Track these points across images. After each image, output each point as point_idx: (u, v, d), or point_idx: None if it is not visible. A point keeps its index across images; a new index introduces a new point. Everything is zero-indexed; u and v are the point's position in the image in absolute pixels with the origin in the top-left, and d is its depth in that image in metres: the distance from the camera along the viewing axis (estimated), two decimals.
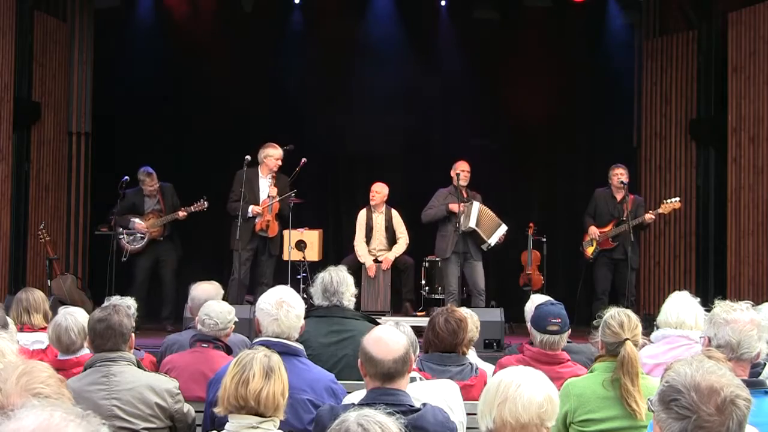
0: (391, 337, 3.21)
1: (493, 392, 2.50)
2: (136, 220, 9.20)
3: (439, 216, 9.02)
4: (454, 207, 8.93)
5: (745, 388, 2.10)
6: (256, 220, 8.77)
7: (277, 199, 8.77)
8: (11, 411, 1.56)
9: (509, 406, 2.45)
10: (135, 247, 9.19)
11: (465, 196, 9.07)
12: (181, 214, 9.13)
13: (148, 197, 9.36)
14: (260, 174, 8.87)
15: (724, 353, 3.22)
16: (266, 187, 8.84)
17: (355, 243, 9.51)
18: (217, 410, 3.10)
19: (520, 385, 2.48)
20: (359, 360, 3.24)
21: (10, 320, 4.60)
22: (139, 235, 9.19)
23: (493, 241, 9.04)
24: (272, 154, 8.84)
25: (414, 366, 3.50)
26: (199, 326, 4.83)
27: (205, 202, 9.08)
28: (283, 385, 3.09)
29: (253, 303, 8.40)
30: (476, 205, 8.99)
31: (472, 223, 8.93)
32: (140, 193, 9.35)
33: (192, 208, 9.10)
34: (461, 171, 9.00)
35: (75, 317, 4.44)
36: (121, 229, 9.11)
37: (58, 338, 4.38)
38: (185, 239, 9.88)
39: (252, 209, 8.75)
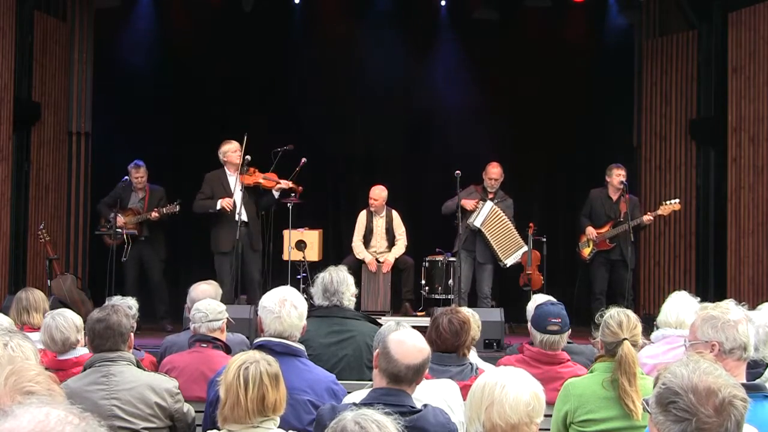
0: (415, 343, 3.19)
1: (478, 396, 2.48)
2: (117, 215, 9.15)
3: (452, 209, 8.98)
4: (466, 203, 8.95)
5: (742, 387, 2.10)
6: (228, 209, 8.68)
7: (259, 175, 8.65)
8: (4, 410, 1.52)
9: (497, 409, 2.44)
10: (115, 241, 9.07)
11: (491, 197, 9.08)
12: (154, 214, 9.07)
13: (134, 193, 9.34)
14: (228, 172, 8.88)
15: (735, 355, 3.14)
16: (236, 183, 8.80)
17: (353, 243, 9.51)
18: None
19: (505, 386, 2.46)
20: (377, 350, 3.23)
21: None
22: (117, 229, 9.10)
23: (509, 262, 9.07)
24: (228, 149, 8.86)
25: None
26: (191, 325, 4.82)
27: (177, 206, 9.04)
28: (284, 384, 3.11)
29: (249, 302, 8.41)
30: (488, 205, 8.98)
31: (478, 222, 8.92)
32: (129, 188, 9.33)
33: (164, 210, 9.07)
34: (489, 179, 9.09)
35: (63, 315, 4.47)
36: (105, 222, 9.09)
37: (52, 338, 4.38)
38: (185, 240, 9.85)
39: (221, 203, 8.69)
